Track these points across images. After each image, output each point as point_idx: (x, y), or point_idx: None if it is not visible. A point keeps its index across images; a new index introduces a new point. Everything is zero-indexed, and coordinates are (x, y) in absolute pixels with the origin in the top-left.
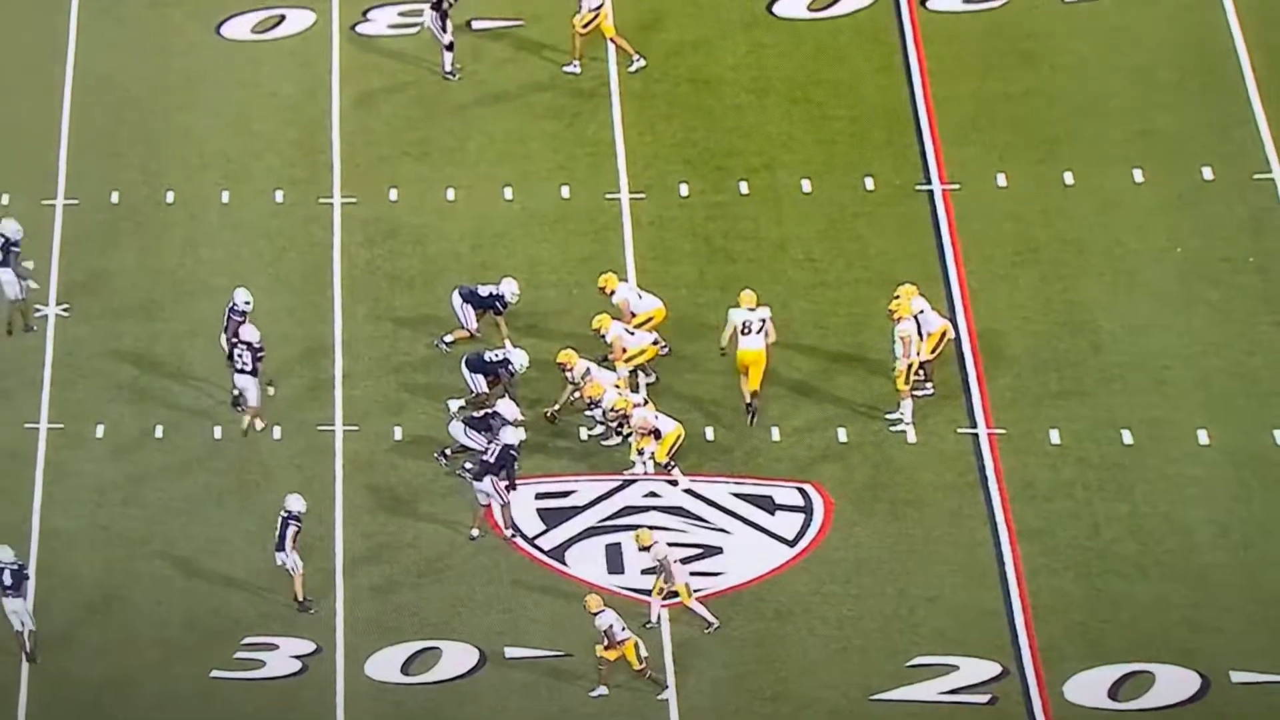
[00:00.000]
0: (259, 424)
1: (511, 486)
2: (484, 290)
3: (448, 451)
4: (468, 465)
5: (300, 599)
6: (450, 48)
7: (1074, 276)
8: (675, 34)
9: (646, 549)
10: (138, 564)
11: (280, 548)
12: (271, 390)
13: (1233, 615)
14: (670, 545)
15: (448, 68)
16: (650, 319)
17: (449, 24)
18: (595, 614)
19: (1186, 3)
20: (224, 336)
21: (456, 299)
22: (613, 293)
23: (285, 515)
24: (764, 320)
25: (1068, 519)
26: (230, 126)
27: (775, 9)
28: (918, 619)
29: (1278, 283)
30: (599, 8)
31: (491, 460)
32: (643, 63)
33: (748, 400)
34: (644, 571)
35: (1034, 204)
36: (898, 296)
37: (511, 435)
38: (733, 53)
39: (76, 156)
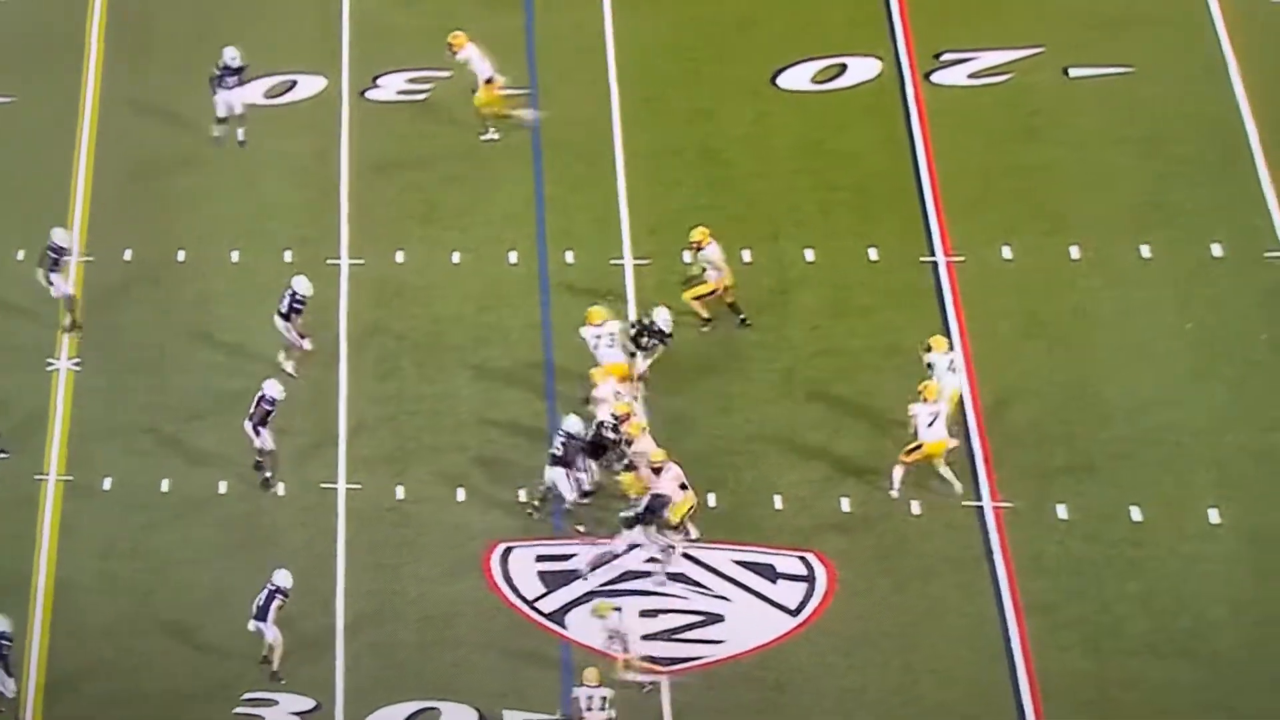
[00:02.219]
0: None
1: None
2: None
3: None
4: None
5: (275, 668)
6: None
7: (1082, 350)
8: (682, 103)
9: (602, 618)
10: (144, 616)
11: (260, 617)
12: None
13: (1244, 696)
14: (671, 612)
15: None
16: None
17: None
18: (594, 687)
19: (1193, 76)
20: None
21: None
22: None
23: (272, 589)
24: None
25: (1076, 595)
26: (242, 188)
27: (779, 81)
28: (922, 692)
29: None
30: (489, 80)
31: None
32: (496, 135)
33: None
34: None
35: (1041, 277)
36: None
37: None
38: (738, 123)
39: (92, 214)
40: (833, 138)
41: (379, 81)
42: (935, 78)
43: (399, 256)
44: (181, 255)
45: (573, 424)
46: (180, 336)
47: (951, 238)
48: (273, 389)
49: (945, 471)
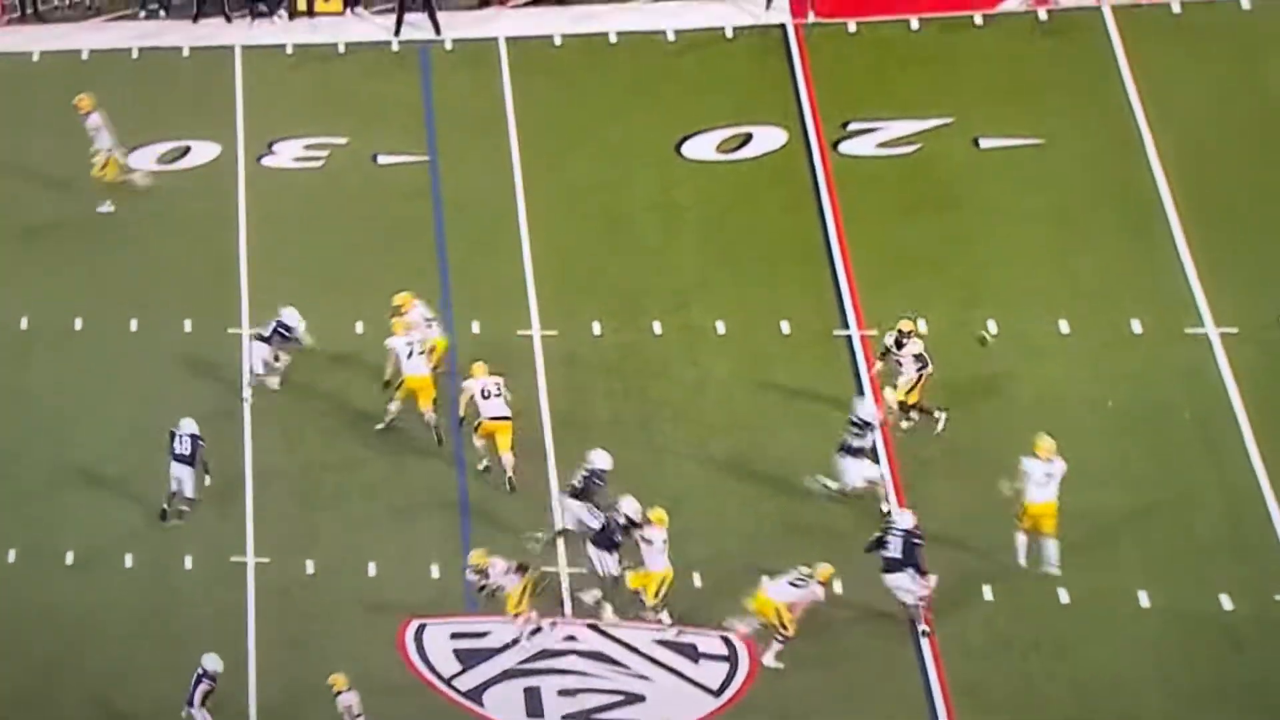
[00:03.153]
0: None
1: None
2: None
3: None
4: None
5: None
6: None
7: (1001, 426)
8: (584, 172)
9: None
10: (51, 689)
11: (190, 703)
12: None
13: None
14: (591, 691)
15: None
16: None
17: None
18: None
19: (1106, 148)
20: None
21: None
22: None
23: (200, 672)
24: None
25: (1002, 676)
26: (138, 255)
27: (684, 150)
28: None
29: (1217, 438)
30: (109, 149)
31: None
32: (112, 208)
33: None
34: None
35: (955, 350)
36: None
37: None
38: (643, 191)
39: None
40: (740, 207)
41: (274, 148)
42: (843, 147)
43: (301, 326)
44: (79, 323)
45: (600, 459)
46: (80, 404)
47: (865, 310)
48: (189, 426)
49: (1050, 545)
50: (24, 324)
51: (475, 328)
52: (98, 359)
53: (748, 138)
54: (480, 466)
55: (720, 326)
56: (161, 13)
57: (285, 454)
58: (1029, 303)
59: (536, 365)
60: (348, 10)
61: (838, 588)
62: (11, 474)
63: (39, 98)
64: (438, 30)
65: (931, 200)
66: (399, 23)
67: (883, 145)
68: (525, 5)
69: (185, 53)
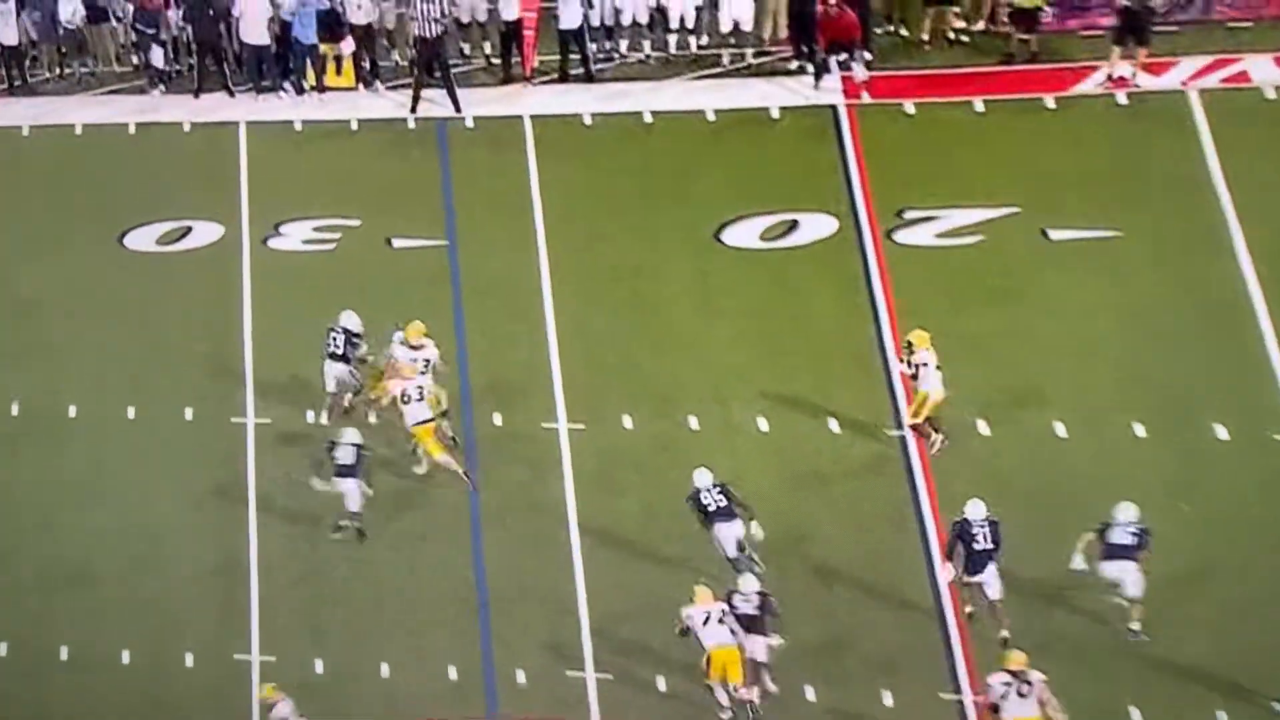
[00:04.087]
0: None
1: None
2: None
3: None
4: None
5: None
6: None
7: (1071, 536)
8: (615, 257)
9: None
10: None
11: None
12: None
13: None
14: None
15: None
16: None
17: None
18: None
19: (1188, 239)
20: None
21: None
22: None
23: None
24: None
25: None
26: (136, 339)
27: (724, 236)
28: None
29: None
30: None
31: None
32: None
33: None
34: None
35: (1021, 455)
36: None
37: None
38: (678, 278)
39: None
40: (785, 298)
41: (282, 229)
42: (898, 236)
43: (309, 416)
44: (73, 410)
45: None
46: (74, 496)
47: None
48: (351, 436)
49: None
50: (14, 410)
51: (497, 419)
52: (92, 448)
53: (794, 224)
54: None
55: (762, 423)
56: (160, 87)
57: (291, 545)
58: (1101, 404)
59: (563, 460)
60: (360, 85)
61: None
62: (2, 567)
63: (29, 173)
64: (457, 108)
65: (995, 294)
66: (415, 99)
67: (942, 235)
68: (551, 82)
69: (186, 128)
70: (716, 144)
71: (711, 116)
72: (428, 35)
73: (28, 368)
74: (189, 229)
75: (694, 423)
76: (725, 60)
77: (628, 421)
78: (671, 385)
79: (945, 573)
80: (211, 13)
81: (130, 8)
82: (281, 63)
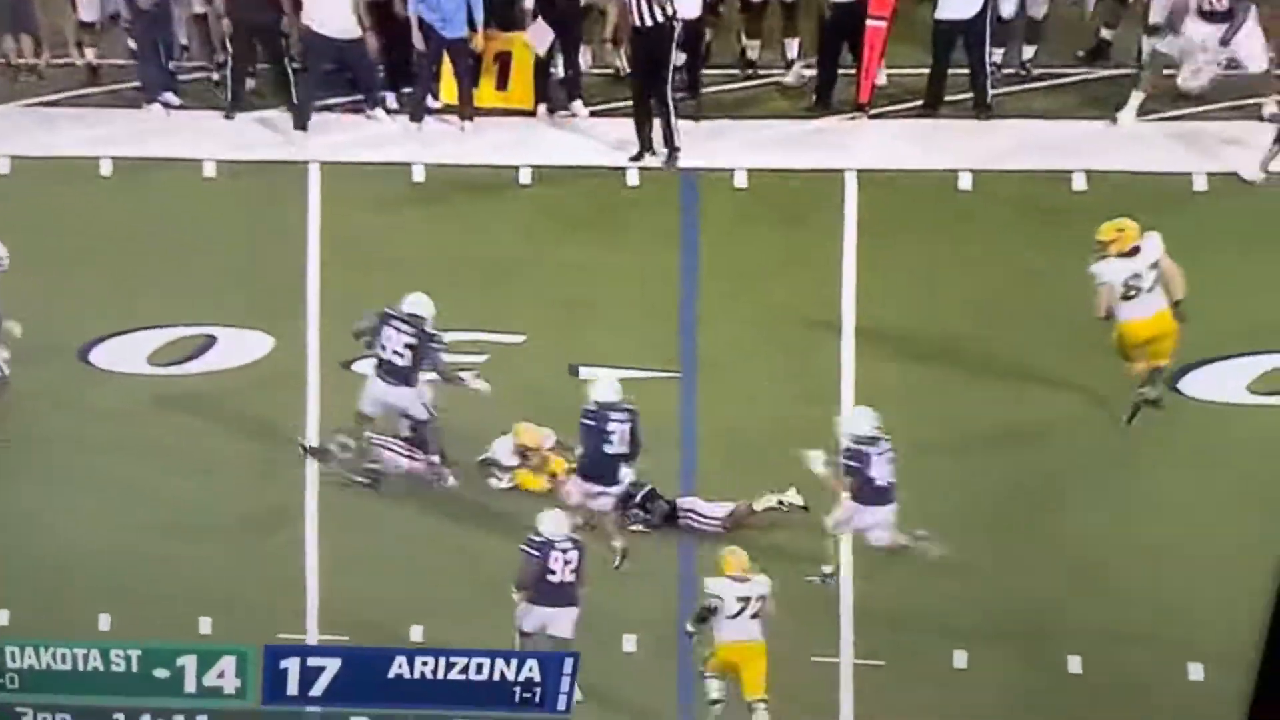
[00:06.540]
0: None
1: None
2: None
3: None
4: None
5: None
6: None
7: None
8: None
9: None
10: None
11: None
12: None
13: None
14: None
15: None
16: None
17: None
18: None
19: None
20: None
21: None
22: None
23: None
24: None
25: None
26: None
27: None
28: None
29: None
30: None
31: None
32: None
33: None
34: None
35: None
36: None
37: None
38: None
39: None
40: None
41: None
42: None
43: None
44: None
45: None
46: None
47: None
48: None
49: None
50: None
51: None
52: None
53: None
54: None
55: None
56: (166, 97)
57: None
58: None
59: None
60: (542, 107)
61: None
62: None
63: None
64: (671, 143)
65: None
66: (641, 134)
67: None
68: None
69: (208, 170)
70: None
71: None
72: (648, 22)
73: None
74: (212, 339)
75: None
76: None
77: None
78: None
79: None
80: None
81: None
82: (392, 68)
